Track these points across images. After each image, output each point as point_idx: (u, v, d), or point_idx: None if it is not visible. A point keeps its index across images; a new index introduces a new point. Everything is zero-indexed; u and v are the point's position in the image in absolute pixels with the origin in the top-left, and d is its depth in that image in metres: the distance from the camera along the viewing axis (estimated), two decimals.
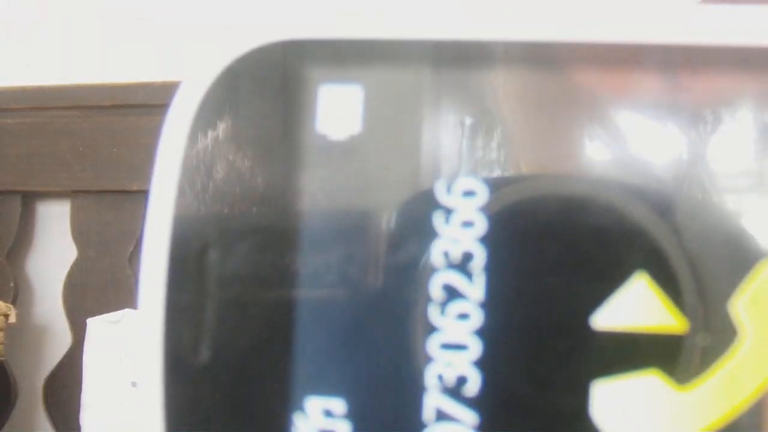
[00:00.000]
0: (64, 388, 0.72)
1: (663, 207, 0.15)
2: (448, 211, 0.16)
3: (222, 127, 0.16)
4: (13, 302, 0.73)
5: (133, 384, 0.58)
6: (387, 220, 0.16)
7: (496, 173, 0.16)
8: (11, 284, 0.74)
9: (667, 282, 0.15)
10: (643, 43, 0.16)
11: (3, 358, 0.69)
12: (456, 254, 0.16)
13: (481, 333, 0.16)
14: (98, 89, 0.74)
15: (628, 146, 0.16)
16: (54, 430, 0.73)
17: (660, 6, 0.16)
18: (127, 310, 0.61)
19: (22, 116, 0.74)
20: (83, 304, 0.73)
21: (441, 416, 0.16)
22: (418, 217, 0.16)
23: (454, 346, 0.16)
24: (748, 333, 0.15)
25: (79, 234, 0.74)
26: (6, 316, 0.69)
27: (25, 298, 0.76)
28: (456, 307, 0.16)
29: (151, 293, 0.15)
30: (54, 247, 0.76)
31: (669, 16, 0.16)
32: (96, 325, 0.61)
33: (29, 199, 0.76)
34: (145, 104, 0.70)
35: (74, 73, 0.75)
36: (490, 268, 0.16)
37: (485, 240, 0.16)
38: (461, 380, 0.16)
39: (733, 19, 0.15)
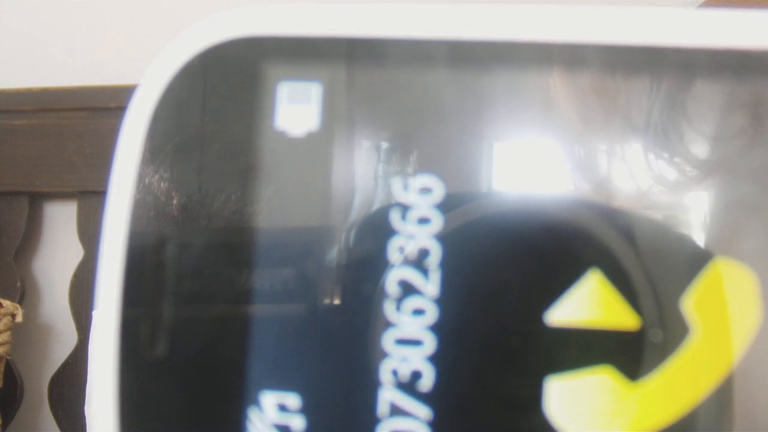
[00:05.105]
0: (69, 386, 0.72)
1: (616, 211, 0.16)
2: (405, 208, 0.16)
3: (179, 126, 0.16)
4: (20, 302, 0.73)
5: None
6: (345, 218, 0.16)
7: (455, 170, 0.16)
8: (18, 284, 0.75)
9: (620, 280, 0.15)
10: (642, 46, 0.16)
11: (9, 357, 0.70)
12: (412, 250, 0.16)
13: (435, 328, 0.16)
14: (104, 91, 0.74)
15: (579, 153, 0.16)
16: (59, 428, 0.73)
17: (660, 9, 0.16)
18: None
19: (29, 118, 0.75)
20: (89, 304, 0.73)
21: (395, 411, 0.16)
22: (376, 215, 0.16)
23: (409, 341, 0.16)
24: (699, 330, 0.15)
25: (85, 234, 0.75)
26: (13, 315, 0.70)
27: (32, 297, 0.77)
28: (411, 302, 0.16)
29: (107, 288, 0.16)
30: (60, 248, 0.77)
31: (668, 19, 0.16)
32: None
33: (36, 200, 0.77)
34: None
35: (80, 75, 0.75)
36: (446, 265, 0.16)
37: (441, 237, 0.16)
38: (415, 375, 0.16)
39: (732, 22, 0.15)
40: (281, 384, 0.16)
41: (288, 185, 0.16)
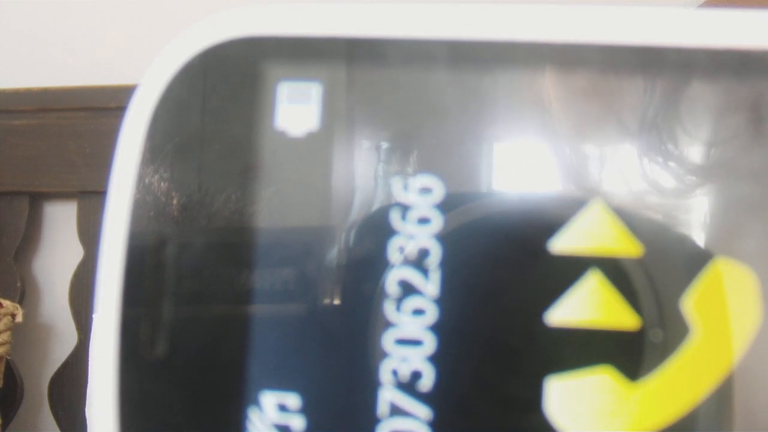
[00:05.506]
0: (69, 387, 0.72)
1: (615, 211, 0.15)
2: (405, 208, 0.16)
3: (179, 126, 0.16)
4: (20, 302, 0.73)
5: None
6: (345, 218, 0.16)
7: (455, 170, 0.16)
8: (18, 284, 0.75)
9: (620, 280, 0.15)
10: (642, 46, 0.16)
11: (9, 357, 0.70)
12: (412, 250, 0.16)
13: (435, 328, 0.16)
14: (104, 91, 0.74)
15: (580, 153, 0.16)
16: (59, 428, 0.73)
17: (659, 9, 0.16)
18: None
19: (29, 118, 0.75)
20: (89, 304, 0.73)
21: (395, 411, 0.16)
22: (376, 215, 0.16)
23: (409, 341, 0.16)
24: (699, 330, 0.15)
25: (85, 234, 0.75)
26: (13, 315, 0.70)
27: (32, 297, 0.77)
28: (411, 302, 0.16)
29: (108, 288, 0.16)
30: (60, 248, 0.77)
31: (668, 19, 0.16)
32: None
33: (36, 200, 0.77)
34: None
35: (80, 75, 0.75)
36: (446, 265, 0.16)
37: (441, 237, 0.16)
38: (415, 375, 0.16)
39: (732, 22, 0.15)
40: (281, 384, 0.16)
41: (288, 185, 0.16)
